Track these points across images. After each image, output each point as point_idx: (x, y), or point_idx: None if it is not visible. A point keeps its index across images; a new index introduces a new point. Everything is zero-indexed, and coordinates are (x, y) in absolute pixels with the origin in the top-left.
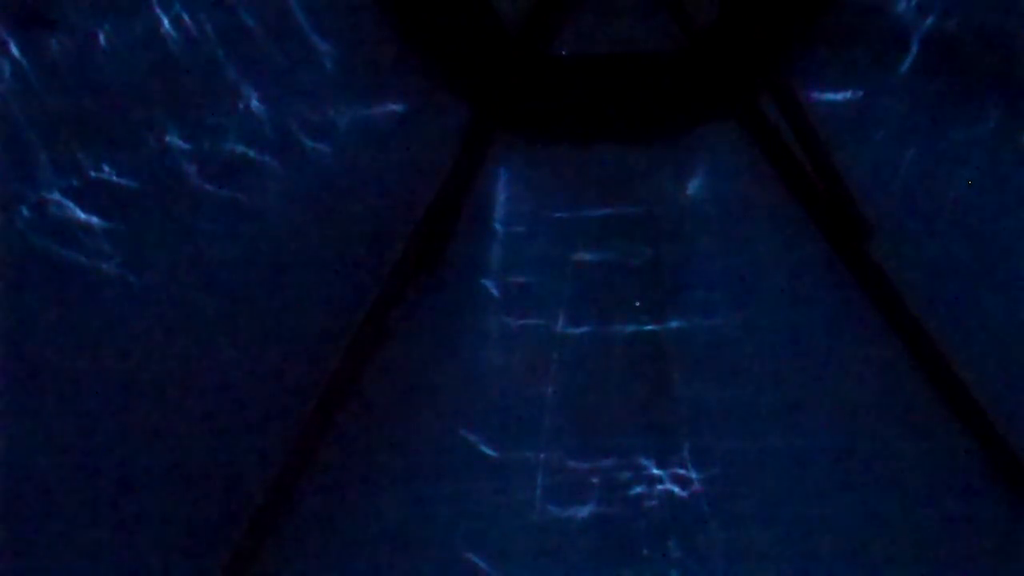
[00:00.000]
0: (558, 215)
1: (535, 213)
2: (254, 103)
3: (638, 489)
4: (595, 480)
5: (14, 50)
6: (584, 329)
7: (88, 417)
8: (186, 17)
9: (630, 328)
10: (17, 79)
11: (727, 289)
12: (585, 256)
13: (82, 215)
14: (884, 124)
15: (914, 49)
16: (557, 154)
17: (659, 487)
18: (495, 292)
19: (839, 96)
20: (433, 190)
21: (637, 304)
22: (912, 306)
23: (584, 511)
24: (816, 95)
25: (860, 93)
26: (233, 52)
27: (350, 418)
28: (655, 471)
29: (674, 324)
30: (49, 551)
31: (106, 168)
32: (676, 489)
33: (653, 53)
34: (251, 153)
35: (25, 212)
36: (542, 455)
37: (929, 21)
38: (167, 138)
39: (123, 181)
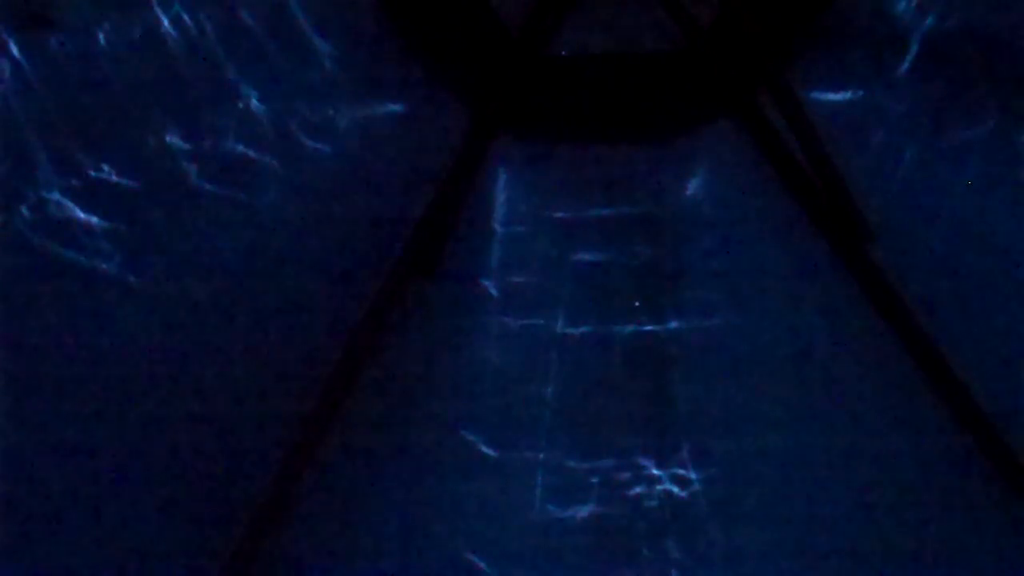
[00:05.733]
0: (558, 215)
1: (535, 213)
2: (254, 103)
3: (638, 489)
4: (595, 480)
5: (14, 50)
6: (584, 329)
7: (88, 417)
8: (186, 17)
9: (630, 328)
10: (17, 79)
11: (727, 289)
12: (585, 256)
13: (82, 215)
14: (884, 124)
15: (914, 49)
16: (557, 154)
17: (659, 487)
18: (495, 292)
19: (839, 96)
20: (433, 190)
21: (637, 304)
22: (912, 306)
23: (584, 511)
24: (816, 95)
25: (860, 93)
26: (233, 52)
27: (350, 418)
28: (655, 471)
29: (674, 324)
30: (49, 551)
31: (106, 168)
32: (676, 489)
33: (653, 53)
34: (251, 153)
35: (25, 212)
36: (542, 455)
37: (929, 21)
38: (167, 138)
39: (123, 181)
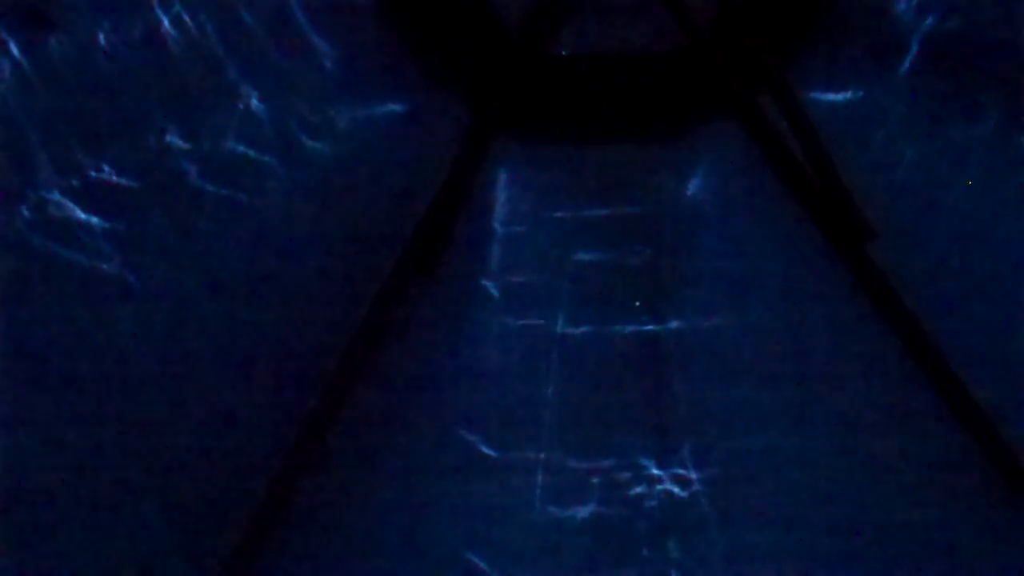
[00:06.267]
0: (558, 215)
1: (535, 213)
2: (254, 103)
3: (638, 489)
4: (595, 480)
5: (14, 50)
6: (584, 329)
7: (88, 417)
8: (186, 17)
9: (630, 328)
10: (17, 79)
11: (727, 289)
12: (585, 256)
13: (82, 215)
14: (884, 124)
15: (914, 49)
16: (557, 154)
17: (659, 487)
18: (495, 292)
19: (839, 96)
20: (433, 190)
21: (637, 304)
22: (912, 306)
23: (584, 511)
24: (816, 95)
25: (860, 93)
26: (233, 52)
27: (350, 418)
28: (655, 471)
29: (674, 324)
30: (49, 551)
31: (106, 168)
32: (676, 489)
33: (653, 53)
34: (251, 153)
35: (25, 212)
36: (542, 455)
37: (929, 21)
38: (167, 138)
39: (123, 181)
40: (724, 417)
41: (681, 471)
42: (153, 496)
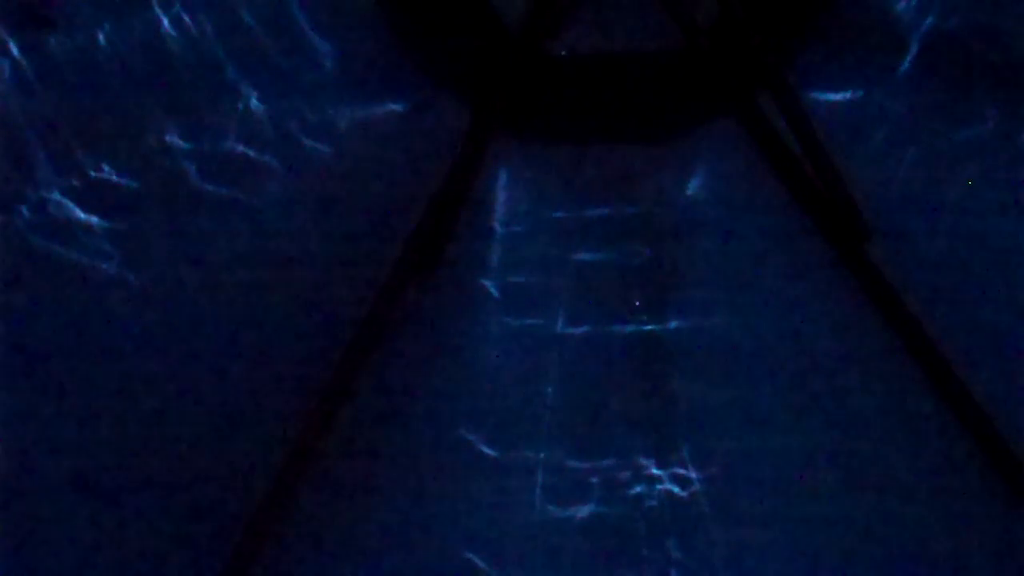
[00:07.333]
0: (558, 215)
1: (535, 213)
2: (254, 103)
3: (638, 489)
4: (595, 480)
5: (14, 50)
6: (584, 329)
7: (88, 417)
8: (186, 17)
9: (630, 328)
10: (17, 79)
11: (727, 289)
12: (585, 256)
13: (82, 215)
14: (884, 124)
15: (914, 49)
16: (557, 154)
17: (659, 487)
18: (495, 292)
19: (839, 96)
20: (433, 190)
21: (637, 304)
22: (912, 306)
23: (584, 511)
24: (816, 95)
25: (860, 93)
26: (233, 52)
27: (350, 418)
28: (655, 471)
29: (674, 324)
30: (49, 551)
31: (106, 168)
32: (676, 489)
33: (653, 53)
34: (251, 153)
35: (25, 212)
36: (542, 455)
37: (929, 21)
38: (167, 138)
39: (123, 181)
40: (724, 417)
41: (681, 471)
42: (153, 496)
